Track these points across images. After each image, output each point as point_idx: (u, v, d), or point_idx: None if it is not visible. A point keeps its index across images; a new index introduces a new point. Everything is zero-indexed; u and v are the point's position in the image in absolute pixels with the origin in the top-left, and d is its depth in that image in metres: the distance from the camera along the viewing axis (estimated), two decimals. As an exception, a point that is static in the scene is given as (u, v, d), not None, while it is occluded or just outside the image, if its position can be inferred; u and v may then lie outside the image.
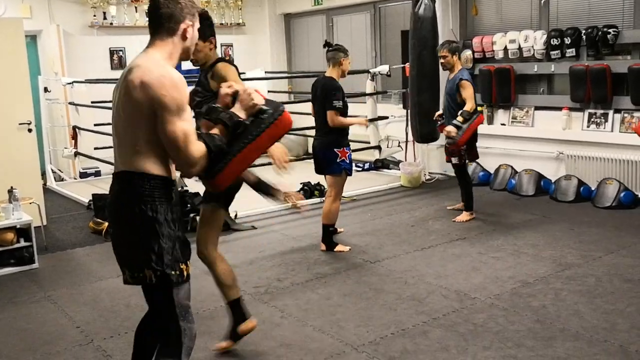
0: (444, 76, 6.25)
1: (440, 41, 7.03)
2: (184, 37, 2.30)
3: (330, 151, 4.94)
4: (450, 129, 5.58)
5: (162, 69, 2.19)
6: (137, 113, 2.16)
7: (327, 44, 5.26)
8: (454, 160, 5.89)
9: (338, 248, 5.08)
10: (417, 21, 7.06)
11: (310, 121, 7.96)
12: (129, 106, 2.18)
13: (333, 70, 5.07)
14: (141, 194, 2.19)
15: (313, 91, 5.16)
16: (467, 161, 5.92)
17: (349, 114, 5.10)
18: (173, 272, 2.22)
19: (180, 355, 2.29)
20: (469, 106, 5.60)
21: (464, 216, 5.87)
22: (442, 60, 5.79)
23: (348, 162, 4.98)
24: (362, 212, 6.37)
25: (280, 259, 4.99)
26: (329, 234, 5.09)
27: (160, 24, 2.27)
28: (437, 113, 6.15)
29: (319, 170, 5.13)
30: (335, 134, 4.97)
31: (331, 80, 5.02)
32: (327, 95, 4.94)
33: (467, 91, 5.62)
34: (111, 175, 2.39)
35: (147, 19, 2.34)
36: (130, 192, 2.21)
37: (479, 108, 7.52)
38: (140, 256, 2.21)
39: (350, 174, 5.07)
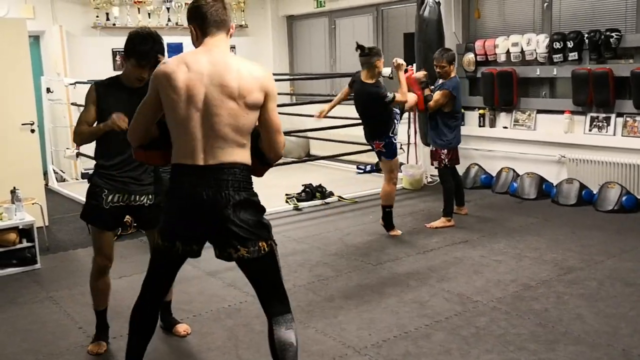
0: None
1: (446, 44, 7.06)
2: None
3: (389, 138, 5.43)
4: (419, 74, 5.85)
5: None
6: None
7: (359, 47, 5.29)
8: (435, 164, 5.91)
9: (393, 232, 5.53)
10: (422, 23, 7.07)
11: (312, 123, 8.02)
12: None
13: (368, 74, 5.25)
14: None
15: (355, 96, 5.50)
16: (448, 165, 5.84)
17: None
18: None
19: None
20: (432, 103, 5.64)
21: (440, 222, 5.81)
22: (438, 70, 5.76)
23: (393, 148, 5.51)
24: (364, 214, 6.37)
25: (282, 260, 4.91)
26: (388, 215, 5.55)
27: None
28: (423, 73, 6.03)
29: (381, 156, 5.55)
30: (386, 122, 5.38)
31: (370, 87, 5.27)
32: (371, 105, 5.33)
33: (440, 96, 5.62)
34: None
35: (219, 18, 2.54)
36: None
37: (480, 111, 7.60)
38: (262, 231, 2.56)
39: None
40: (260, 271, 2.59)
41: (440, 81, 5.78)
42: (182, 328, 3.64)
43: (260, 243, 2.52)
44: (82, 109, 3.42)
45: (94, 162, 3.52)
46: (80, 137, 3.33)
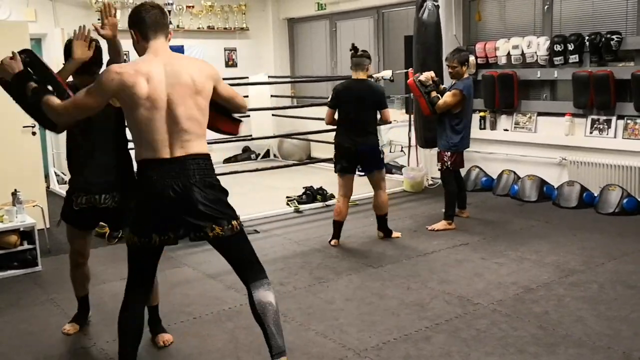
0: (447, 82, 6.25)
1: (444, 47, 7.06)
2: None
3: (378, 149, 5.39)
4: (427, 75, 5.80)
5: None
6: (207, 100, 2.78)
7: (354, 48, 5.36)
8: (438, 166, 5.91)
9: (395, 234, 5.59)
10: (421, 26, 7.07)
11: (313, 126, 8.02)
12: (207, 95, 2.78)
13: (362, 74, 5.29)
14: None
15: (351, 95, 5.26)
16: (451, 168, 5.82)
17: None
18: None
19: None
20: (444, 100, 5.61)
21: (441, 225, 5.80)
22: (450, 70, 5.75)
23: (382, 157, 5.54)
24: (365, 216, 6.37)
25: (283, 263, 4.99)
26: (386, 222, 5.56)
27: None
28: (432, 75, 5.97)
29: (367, 168, 5.41)
30: (376, 133, 5.38)
31: (376, 83, 5.30)
32: (381, 97, 5.28)
33: (449, 96, 5.61)
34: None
35: (158, 22, 2.76)
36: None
37: (481, 114, 7.60)
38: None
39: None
40: (235, 247, 2.84)
41: (454, 82, 5.78)
42: (162, 338, 3.56)
43: (233, 222, 2.77)
44: None
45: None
46: None
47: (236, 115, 3.07)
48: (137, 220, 2.75)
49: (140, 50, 2.77)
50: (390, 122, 5.60)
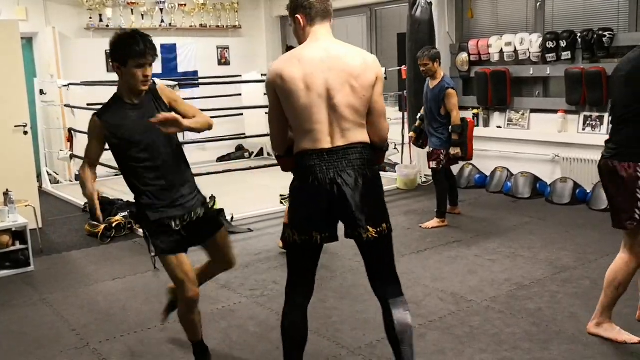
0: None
1: (437, 44, 7.07)
2: None
3: None
4: (455, 150, 5.70)
5: None
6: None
7: (289, 49, 5.30)
8: (432, 164, 5.88)
9: None
10: (414, 24, 7.08)
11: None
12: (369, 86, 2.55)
13: None
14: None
15: None
16: (443, 166, 5.83)
17: None
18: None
19: None
20: (455, 117, 5.62)
21: (433, 222, 5.81)
22: (422, 68, 5.76)
23: None
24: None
25: (277, 261, 4.99)
26: None
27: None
28: (412, 132, 6.21)
29: None
30: None
31: None
32: None
33: (453, 101, 5.63)
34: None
35: (327, 8, 2.64)
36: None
37: (474, 111, 7.61)
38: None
39: None
40: (380, 251, 2.65)
41: (433, 82, 5.77)
42: None
43: (384, 225, 2.61)
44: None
45: (96, 168, 3.28)
46: (80, 180, 3.01)
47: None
48: (298, 216, 2.59)
49: (302, 36, 2.65)
50: None
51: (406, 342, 2.61)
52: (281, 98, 2.53)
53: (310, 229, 2.56)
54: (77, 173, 8.54)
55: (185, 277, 2.98)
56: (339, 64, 2.51)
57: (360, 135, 2.56)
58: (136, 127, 2.91)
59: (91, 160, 3.00)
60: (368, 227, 2.55)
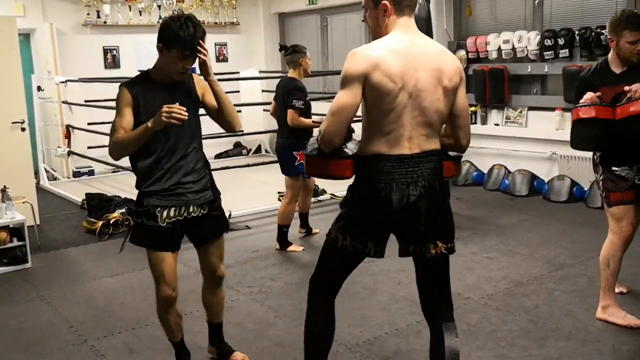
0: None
1: (437, 41, 7.06)
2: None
3: (289, 153, 4.95)
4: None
5: None
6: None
7: (282, 48, 5.27)
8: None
9: (291, 248, 5.17)
10: (411, 21, 7.06)
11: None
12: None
13: (294, 72, 5.07)
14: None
15: (276, 92, 5.17)
16: None
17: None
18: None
19: None
20: None
21: None
22: None
23: None
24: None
25: (274, 258, 4.99)
26: (283, 235, 5.18)
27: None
28: None
29: (282, 170, 5.16)
30: (295, 136, 4.89)
31: (292, 80, 5.01)
32: (288, 95, 4.91)
33: None
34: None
35: None
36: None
37: (471, 109, 7.61)
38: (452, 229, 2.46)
39: (309, 178, 5.12)
40: (443, 270, 2.49)
41: None
42: (239, 357, 3.26)
43: (453, 241, 2.46)
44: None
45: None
46: (119, 147, 2.76)
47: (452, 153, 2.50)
48: (355, 222, 2.40)
49: (382, 26, 2.35)
50: (291, 125, 4.89)
51: None
52: (369, 90, 2.23)
53: (367, 239, 2.39)
54: (74, 170, 8.52)
55: (161, 276, 2.86)
56: (433, 63, 2.27)
57: (436, 143, 2.35)
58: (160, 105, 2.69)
59: (126, 130, 2.73)
60: (438, 242, 2.38)
